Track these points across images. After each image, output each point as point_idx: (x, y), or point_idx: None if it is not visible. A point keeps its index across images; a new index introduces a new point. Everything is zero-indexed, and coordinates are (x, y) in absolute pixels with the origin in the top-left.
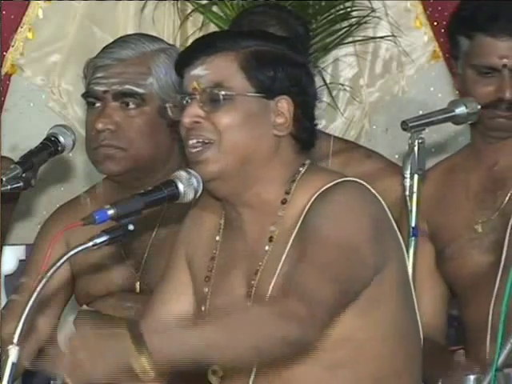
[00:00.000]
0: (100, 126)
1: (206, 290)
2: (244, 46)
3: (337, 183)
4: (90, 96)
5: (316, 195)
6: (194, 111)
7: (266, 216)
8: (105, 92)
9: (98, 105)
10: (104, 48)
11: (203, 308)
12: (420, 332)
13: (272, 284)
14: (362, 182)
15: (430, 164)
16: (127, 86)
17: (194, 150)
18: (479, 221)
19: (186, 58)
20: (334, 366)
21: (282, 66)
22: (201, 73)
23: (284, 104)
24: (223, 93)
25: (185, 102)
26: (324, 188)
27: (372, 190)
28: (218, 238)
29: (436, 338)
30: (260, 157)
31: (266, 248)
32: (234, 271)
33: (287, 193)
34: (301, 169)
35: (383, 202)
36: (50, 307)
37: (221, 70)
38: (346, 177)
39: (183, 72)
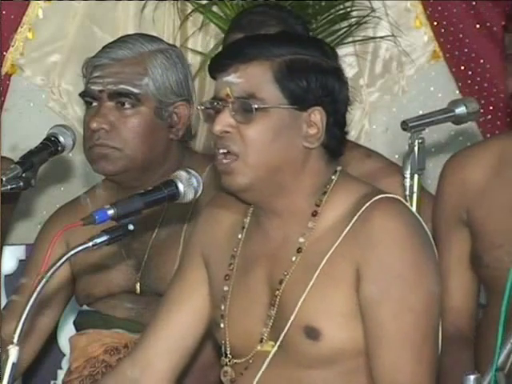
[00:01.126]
0: (94, 125)
1: (226, 288)
2: (278, 55)
3: (376, 202)
4: (86, 95)
5: (356, 217)
6: (225, 120)
7: (295, 226)
8: (100, 91)
9: (94, 104)
10: (103, 47)
11: (223, 307)
12: (439, 339)
13: (303, 298)
14: (400, 199)
15: (430, 164)
16: (122, 86)
17: (223, 161)
18: None
19: (219, 63)
20: (351, 372)
21: (315, 75)
22: (234, 80)
23: (317, 115)
24: (256, 106)
25: (216, 105)
26: (363, 208)
27: (407, 205)
28: (240, 236)
29: (465, 330)
30: (289, 169)
31: (293, 258)
32: (255, 274)
33: (317, 205)
34: (333, 177)
35: (417, 215)
36: (50, 307)
37: (254, 79)
38: (380, 191)
39: (216, 76)
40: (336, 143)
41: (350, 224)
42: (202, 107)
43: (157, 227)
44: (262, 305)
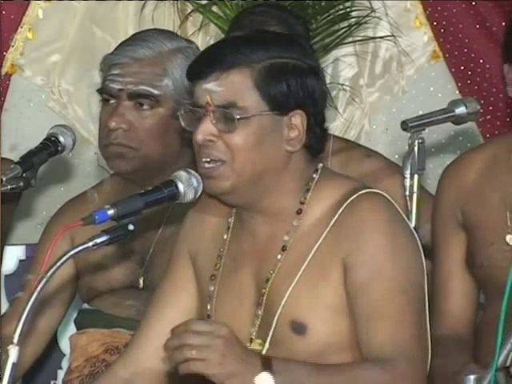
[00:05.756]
0: (113, 124)
1: (212, 288)
2: (257, 61)
3: (361, 195)
4: (104, 92)
5: (342, 209)
6: (207, 129)
7: (280, 223)
8: (120, 90)
9: (112, 102)
10: (122, 44)
11: (209, 307)
12: (428, 336)
13: (287, 295)
14: (385, 194)
15: (430, 164)
16: (142, 87)
17: (207, 166)
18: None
19: (198, 71)
20: None
21: (295, 78)
22: (214, 88)
23: (298, 118)
24: (238, 117)
25: (197, 113)
26: (349, 201)
27: (392, 200)
28: (225, 236)
29: (465, 334)
30: (272, 172)
31: (279, 257)
32: (242, 273)
33: (302, 203)
34: (314, 175)
35: (402, 212)
36: (55, 306)
37: (235, 87)
38: (365, 186)
39: (195, 82)
40: (317, 142)
41: (335, 217)
42: (182, 113)
43: (163, 224)
44: (250, 304)
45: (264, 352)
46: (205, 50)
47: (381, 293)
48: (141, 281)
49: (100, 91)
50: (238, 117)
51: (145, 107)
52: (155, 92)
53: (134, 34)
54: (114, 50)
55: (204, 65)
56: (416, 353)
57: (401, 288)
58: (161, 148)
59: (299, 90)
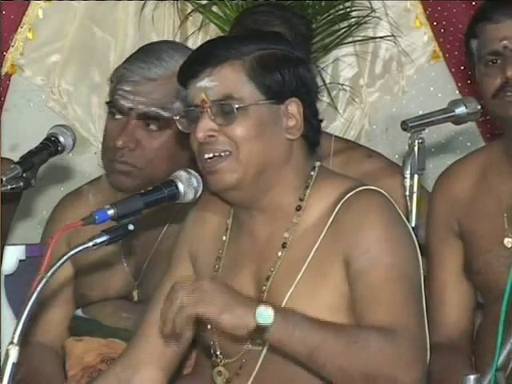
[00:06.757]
0: (120, 143)
1: None
2: (247, 53)
3: (358, 193)
4: (113, 107)
5: (339, 205)
6: (207, 125)
7: (279, 221)
8: (130, 109)
9: (119, 117)
10: (135, 57)
11: None
12: (427, 336)
13: (290, 292)
14: (382, 191)
15: (430, 164)
16: (153, 109)
17: (210, 161)
18: (509, 234)
19: (190, 70)
20: None
21: (287, 67)
22: (208, 85)
23: (294, 106)
24: (236, 106)
25: (194, 114)
26: (346, 197)
27: (389, 197)
28: (224, 237)
29: (461, 342)
30: (275, 163)
31: (279, 254)
32: (242, 273)
33: (301, 199)
34: (312, 173)
35: (399, 209)
36: (68, 302)
37: (229, 80)
38: (363, 184)
39: (187, 83)
40: (314, 133)
41: (333, 214)
42: (178, 117)
43: (159, 237)
44: None
45: (264, 350)
46: (194, 50)
47: (378, 279)
48: (135, 293)
49: (109, 105)
50: (237, 106)
51: (153, 128)
52: (165, 115)
53: (147, 46)
54: (126, 62)
55: (195, 63)
56: (416, 332)
57: (398, 276)
58: (166, 168)
59: (292, 79)
